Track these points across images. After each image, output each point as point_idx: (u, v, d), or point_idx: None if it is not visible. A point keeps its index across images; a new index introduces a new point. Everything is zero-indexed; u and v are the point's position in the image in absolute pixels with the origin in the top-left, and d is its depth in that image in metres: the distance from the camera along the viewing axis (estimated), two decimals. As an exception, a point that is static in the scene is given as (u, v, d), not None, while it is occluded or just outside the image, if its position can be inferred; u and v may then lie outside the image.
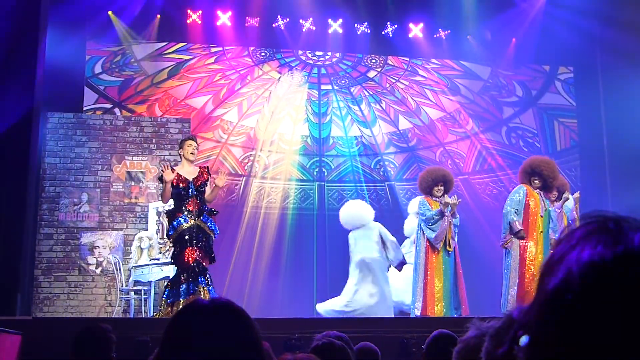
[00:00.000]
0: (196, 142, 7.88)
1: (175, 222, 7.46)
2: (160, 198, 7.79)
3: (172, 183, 7.43)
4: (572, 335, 0.73)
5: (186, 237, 7.38)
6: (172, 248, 7.67)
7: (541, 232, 8.17)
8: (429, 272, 8.53)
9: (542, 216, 8.22)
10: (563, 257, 0.79)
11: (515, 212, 8.22)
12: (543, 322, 0.77)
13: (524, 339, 0.80)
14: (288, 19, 12.52)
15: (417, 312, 8.44)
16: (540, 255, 8.06)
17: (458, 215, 8.79)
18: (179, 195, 7.50)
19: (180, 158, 7.81)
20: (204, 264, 7.46)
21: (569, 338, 0.74)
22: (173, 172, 7.46)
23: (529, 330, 0.79)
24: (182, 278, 7.36)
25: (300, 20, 12.63)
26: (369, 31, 12.89)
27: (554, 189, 8.59)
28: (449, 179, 8.93)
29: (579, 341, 0.73)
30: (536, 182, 8.29)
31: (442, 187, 8.78)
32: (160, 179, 7.60)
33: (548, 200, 8.43)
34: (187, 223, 7.41)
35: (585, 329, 0.73)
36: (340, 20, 12.74)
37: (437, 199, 8.75)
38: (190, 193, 7.51)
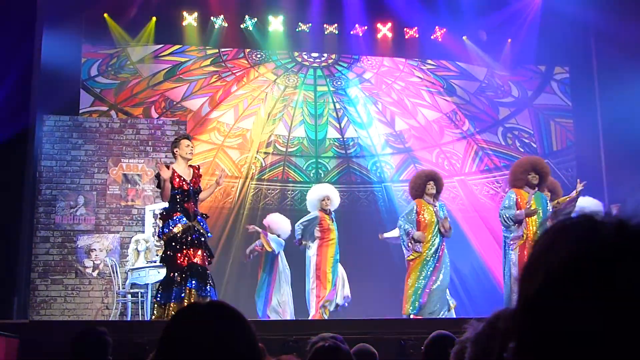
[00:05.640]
0: (192, 142, 7.72)
1: (171, 222, 7.26)
2: (161, 198, 7.60)
3: (173, 184, 7.30)
4: (555, 340, 0.73)
5: (182, 238, 7.22)
6: (164, 248, 7.45)
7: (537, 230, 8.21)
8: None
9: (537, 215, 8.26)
10: (539, 261, 0.78)
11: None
12: (526, 328, 0.77)
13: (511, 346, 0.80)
14: (282, 17, 12.51)
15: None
16: None
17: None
18: (178, 196, 7.34)
19: (175, 157, 7.57)
20: (205, 265, 7.37)
21: (552, 343, 0.73)
22: (168, 169, 7.35)
23: (514, 337, 0.79)
24: (176, 280, 7.17)
25: (299, 23, 12.64)
26: (361, 33, 12.89)
27: (544, 187, 8.64)
28: (439, 177, 9.06)
29: (562, 346, 0.72)
30: (534, 180, 8.37)
31: (433, 185, 8.89)
32: (157, 177, 7.43)
33: (544, 198, 8.46)
34: (184, 224, 7.25)
35: (567, 332, 0.72)
36: (336, 25, 12.76)
37: (429, 201, 8.85)
38: (189, 194, 7.43)
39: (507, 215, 8.32)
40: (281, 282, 9.82)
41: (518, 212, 8.26)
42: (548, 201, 8.55)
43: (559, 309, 0.73)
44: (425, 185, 8.93)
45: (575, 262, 0.74)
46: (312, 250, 9.54)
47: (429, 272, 8.62)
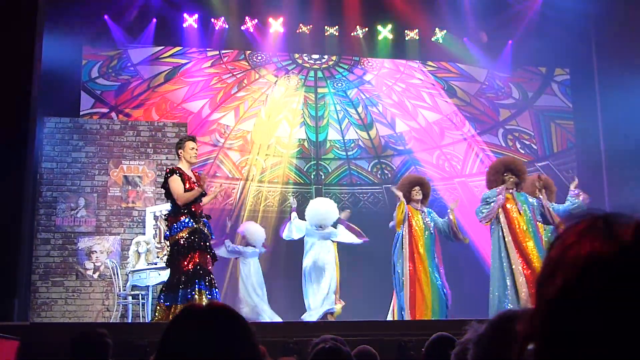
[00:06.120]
0: (196, 143, 7.61)
1: (178, 224, 7.19)
2: (178, 200, 7.28)
3: (185, 187, 7.22)
4: (579, 343, 0.73)
5: (188, 241, 7.14)
6: (170, 249, 7.37)
7: (525, 228, 8.15)
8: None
9: (520, 213, 8.20)
10: (558, 263, 0.78)
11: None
12: (547, 330, 0.77)
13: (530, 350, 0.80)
14: (282, 19, 12.50)
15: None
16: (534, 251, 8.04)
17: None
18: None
19: (179, 158, 7.51)
20: (209, 267, 7.35)
21: (574, 345, 0.73)
22: (177, 172, 7.27)
23: (534, 340, 0.79)
24: (182, 282, 7.10)
25: (300, 24, 12.64)
26: (362, 35, 12.89)
27: (522, 185, 8.55)
28: (424, 182, 9.01)
29: (586, 348, 0.72)
30: (511, 180, 8.25)
31: (419, 190, 8.83)
32: (166, 178, 7.30)
33: (524, 196, 8.38)
34: (191, 227, 7.19)
35: (591, 334, 0.72)
36: (337, 26, 12.76)
37: (414, 205, 8.83)
38: (198, 196, 7.40)
39: (490, 197, 8.28)
40: (247, 289, 9.98)
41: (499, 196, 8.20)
42: (544, 198, 8.50)
43: (580, 310, 0.74)
44: (410, 191, 8.83)
45: (597, 262, 0.74)
46: (333, 261, 9.59)
47: (439, 279, 8.62)
